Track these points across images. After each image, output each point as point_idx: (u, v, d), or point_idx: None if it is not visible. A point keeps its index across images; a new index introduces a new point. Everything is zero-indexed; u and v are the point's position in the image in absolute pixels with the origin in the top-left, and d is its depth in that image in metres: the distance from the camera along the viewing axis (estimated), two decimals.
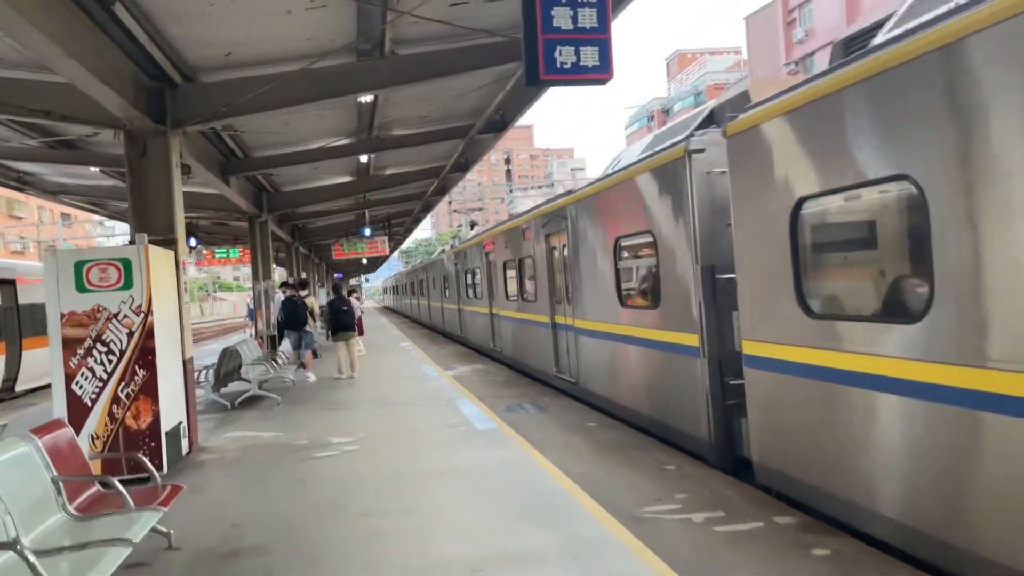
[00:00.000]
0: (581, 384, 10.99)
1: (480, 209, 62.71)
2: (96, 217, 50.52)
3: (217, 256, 28.45)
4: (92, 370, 7.62)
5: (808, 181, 5.30)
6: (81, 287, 7.60)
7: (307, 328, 16.29)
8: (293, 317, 16.21)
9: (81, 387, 7.61)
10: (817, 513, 5.54)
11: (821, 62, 48.76)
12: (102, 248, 7.93)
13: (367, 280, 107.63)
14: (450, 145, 16.24)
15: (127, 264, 7.68)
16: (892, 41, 4.63)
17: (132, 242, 8.26)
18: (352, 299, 18.28)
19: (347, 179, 18.99)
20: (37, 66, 8.47)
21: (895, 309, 4.78)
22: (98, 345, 7.63)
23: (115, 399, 7.65)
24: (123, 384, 7.66)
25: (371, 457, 8.25)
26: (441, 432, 9.32)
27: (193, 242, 24.42)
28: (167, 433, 7.90)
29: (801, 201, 5.36)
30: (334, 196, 19.40)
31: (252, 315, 31.50)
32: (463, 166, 19.07)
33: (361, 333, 23.46)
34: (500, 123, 14.49)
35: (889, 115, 4.56)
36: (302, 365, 16.11)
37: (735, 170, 6.26)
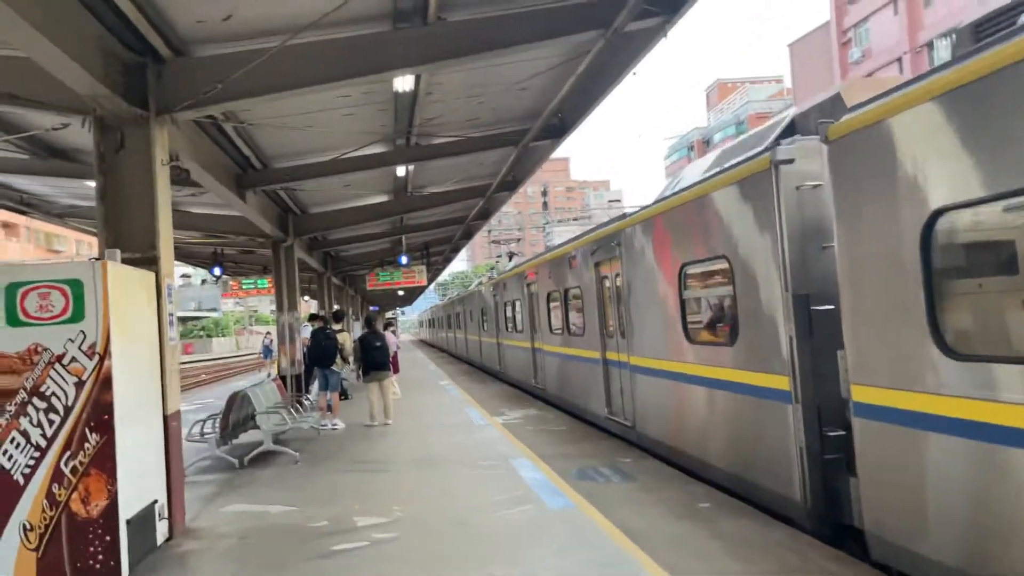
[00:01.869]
0: (638, 429, 9.84)
1: (519, 240, 60.74)
2: None
3: (244, 287, 26.63)
4: (26, 434, 5.50)
5: (951, 187, 4.31)
6: (13, 319, 5.52)
7: (334, 367, 14.14)
8: (321, 353, 14.07)
9: (11, 458, 5.48)
10: None
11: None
12: (44, 265, 5.86)
13: (403, 313, 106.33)
14: (498, 157, 14.15)
15: (77, 288, 5.58)
16: None
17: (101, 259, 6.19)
18: (387, 333, 16.19)
19: (383, 199, 16.99)
20: None
21: None
22: (35, 400, 5.52)
23: (56, 475, 5.50)
24: (68, 454, 5.52)
25: (412, 558, 5.96)
26: (503, 513, 7.02)
27: (218, 271, 22.76)
28: (130, 520, 5.72)
29: (938, 213, 4.41)
30: (368, 219, 17.36)
31: (268, 353, 29.40)
32: (511, 184, 16.97)
33: (396, 371, 21.36)
34: (559, 128, 12.38)
35: None
36: (329, 409, 13.97)
37: (840, 181, 5.27)
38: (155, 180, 6.97)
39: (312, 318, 16.75)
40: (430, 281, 39.12)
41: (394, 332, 32.85)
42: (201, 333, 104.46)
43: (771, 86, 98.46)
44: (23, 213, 15.71)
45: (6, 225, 54.89)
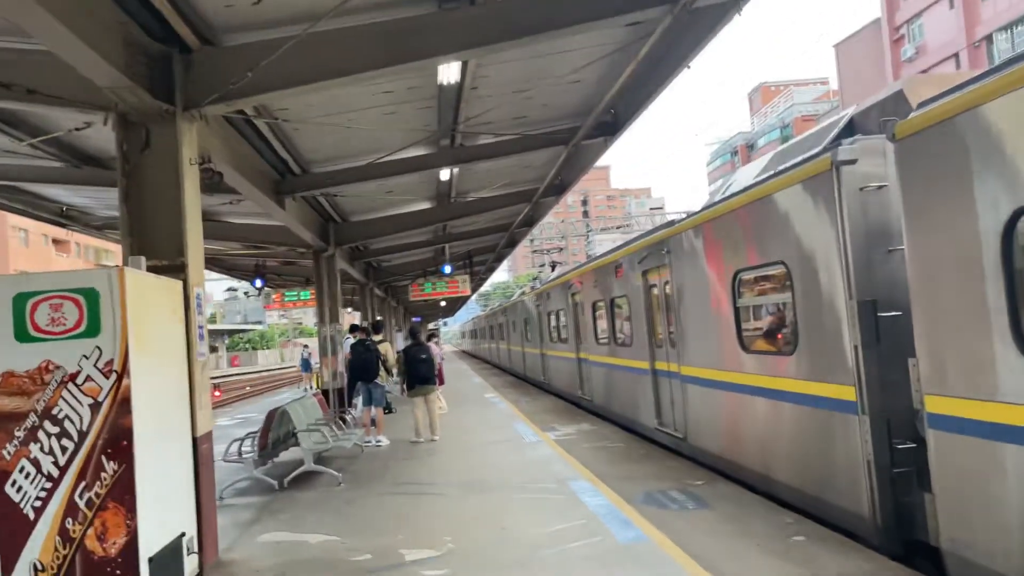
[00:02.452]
0: (690, 441, 9.58)
1: (561, 249, 59.92)
2: None
3: (287, 299, 26.27)
4: (37, 463, 4.91)
5: None
6: (23, 334, 4.94)
7: (378, 380, 13.53)
8: (362, 366, 13.47)
9: (20, 490, 4.90)
10: None
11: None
12: (55, 274, 5.25)
13: (444, 324, 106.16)
14: (546, 159, 13.46)
15: (92, 298, 4.99)
16: None
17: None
18: (431, 344, 15.55)
19: (425, 206, 16.41)
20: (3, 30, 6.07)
21: None
22: (47, 424, 4.93)
23: (70, 508, 4.90)
24: (83, 485, 4.92)
25: None
26: (567, 546, 6.25)
27: (259, 283, 22.46)
28: (153, 558, 5.09)
29: (1022, 211, 4.18)
30: (410, 226, 16.79)
31: (307, 366, 28.89)
32: (558, 188, 16.25)
33: (441, 383, 20.75)
34: (612, 124, 11.64)
35: None
36: (373, 424, 13.36)
37: (910, 180, 5.02)
38: (183, 181, 6.39)
39: (353, 329, 16.24)
40: (473, 291, 38.53)
41: (437, 343, 32.30)
42: (247, 346, 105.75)
43: (816, 88, 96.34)
44: (63, 226, 15.47)
45: (56, 241, 55.93)
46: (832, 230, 5.97)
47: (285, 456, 11.04)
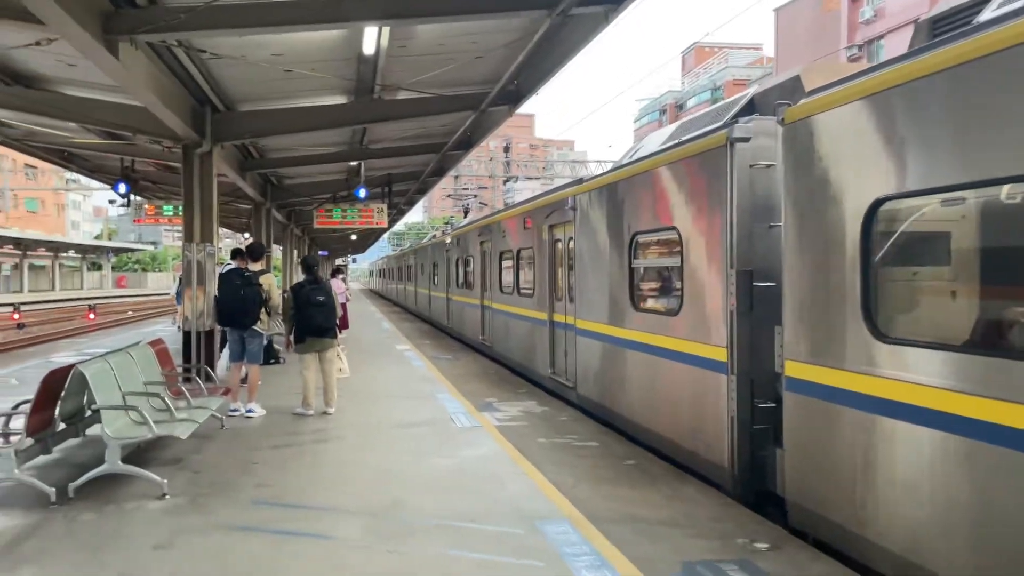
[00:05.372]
0: (578, 390, 10.08)
1: (475, 196, 56.32)
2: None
3: (164, 213, 21.67)
4: None
5: (893, 177, 4.33)
6: None
7: (257, 327, 9.71)
8: (236, 305, 9.60)
9: None
10: None
11: (893, 47, 42.58)
12: None
13: (354, 261, 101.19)
14: (507, 41, 9.73)
15: None
16: None
17: None
18: (336, 281, 11.83)
19: (339, 99, 12.44)
20: None
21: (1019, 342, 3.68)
22: None
23: None
24: None
25: None
26: None
27: (123, 188, 17.90)
28: None
29: (879, 202, 4.43)
30: (320, 126, 12.69)
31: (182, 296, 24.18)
32: (513, 95, 12.49)
33: (344, 327, 17.02)
34: None
35: None
36: (244, 384, 9.65)
37: (792, 163, 5.32)
38: None
39: (235, 255, 12.24)
40: (391, 224, 34.42)
41: (344, 280, 28.17)
42: (136, 267, 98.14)
43: (751, 53, 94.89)
44: None
45: None
46: (721, 202, 6.18)
47: (88, 437, 7.25)
